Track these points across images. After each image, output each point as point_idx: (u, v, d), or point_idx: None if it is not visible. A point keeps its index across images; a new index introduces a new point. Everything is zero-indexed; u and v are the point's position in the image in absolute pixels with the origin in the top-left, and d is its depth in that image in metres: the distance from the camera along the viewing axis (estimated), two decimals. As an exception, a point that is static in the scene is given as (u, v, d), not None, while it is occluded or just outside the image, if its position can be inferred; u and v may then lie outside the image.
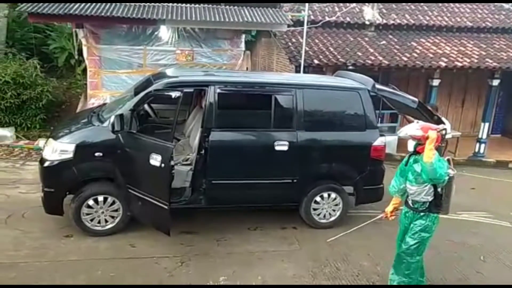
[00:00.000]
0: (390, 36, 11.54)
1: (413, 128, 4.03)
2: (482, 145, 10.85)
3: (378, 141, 5.70)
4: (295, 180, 5.51)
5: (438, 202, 4.10)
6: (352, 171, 5.71)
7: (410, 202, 4.23)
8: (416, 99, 5.87)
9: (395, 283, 4.36)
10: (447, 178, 3.90)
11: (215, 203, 5.44)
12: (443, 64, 10.09)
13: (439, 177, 3.84)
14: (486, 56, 10.65)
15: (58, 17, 8.11)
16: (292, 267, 4.80)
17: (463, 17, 12.46)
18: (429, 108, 7.01)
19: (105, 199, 5.06)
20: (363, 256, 5.21)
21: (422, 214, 4.15)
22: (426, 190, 4.06)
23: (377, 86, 5.85)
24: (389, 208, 4.46)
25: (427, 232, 4.17)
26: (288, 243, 5.37)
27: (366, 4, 11.89)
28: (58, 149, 4.93)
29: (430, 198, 4.09)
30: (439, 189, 4.05)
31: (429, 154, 3.84)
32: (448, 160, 4.14)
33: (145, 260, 4.74)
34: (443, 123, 6.65)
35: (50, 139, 5.17)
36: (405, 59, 10.12)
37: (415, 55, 10.44)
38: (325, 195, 5.72)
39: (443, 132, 4.07)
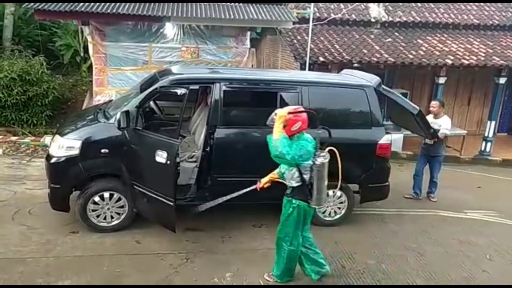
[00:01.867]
0: (396, 34, 11.50)
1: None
2: (488, 144, 10.82)
3: (384, 139, 5.67)
4: (300, 178, 5.49)
5: (306, 190, 4.07)
6: (358, 169, 5.68)
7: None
8: (417, 107, 5.86)
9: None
10: (308, 163, 3.96)
11: (220, 200, 5.43)
12: (450, 62, 10.04)
13: (279, 154, 3.88)
14: (493, 54, 10.58)
15: (64, 14, 8.12)
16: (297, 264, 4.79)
17: (469, 15, 12.38)
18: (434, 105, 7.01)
19: (111, 196, 5.08)
20: (368, 254, 5.19)
21: (287, 199, 4.18)
22: (292, 175, 4.09)
23: (383, 86, 5.83)
24: (264, 179, 4.46)
25: (288, 219, 4.18)
26: (293, 241, 5.36)
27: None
28: (64, 145, 4.95)
29: (295, 184, 4.10)
30: (305, 176, 4.04)
31: (275, 131, 3.93)
32: (331, 152, 4.09)
33: (151, 257, 4.76)
34: (436, 137, 6.62)
35: (57, 136, 5.19)
36: (411, 56, 10.08)
37: (421, 52, 10.39)
38: (330, 192, 5.69)
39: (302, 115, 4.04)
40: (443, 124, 6.87)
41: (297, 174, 4.06)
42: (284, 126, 3.96)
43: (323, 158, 4.01)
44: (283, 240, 4.28)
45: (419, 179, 7.22)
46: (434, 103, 7.12)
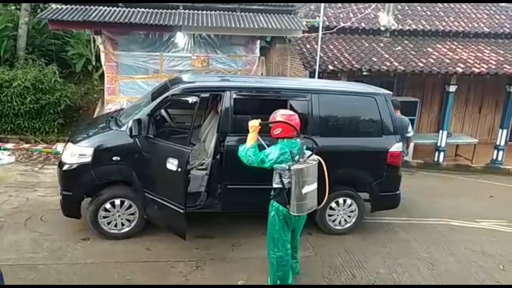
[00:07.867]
0: (406, 42, 11.47)
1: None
2: (500, 152, 10.68)
3: (395, 147, 5.64)
4: (310, 186, 5.47)
5: (284, 195, 4.08)
6: (368, 177, 5.66)
7: None
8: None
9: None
10: (281, 166, 3.99)
11: (230, 207, 5.44)
12: (460, 70, 9.97)
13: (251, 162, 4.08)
14: (504, 62, 10.49)
15: (77, 24, 8.25)
16: (307, 273, 4.76)
17: (480, 23, 12.31)
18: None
19: (122, 203, 5.12)
20: (379, 263, 5.15)
21: (271, 202, 4.23)
22: (274, 176, 4.16)
23: None
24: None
25: (271, 223, 4.22)
26: (303, 249, 5.31)
27: (382, 9, 11.86)
28: (76, 152, 5.01)
29: (275, 185, 4.15)
30: (284, 180, 4.06)
31: (248, 139, 4.13)
32: (314, 156, 4.14)
33: (161, 264, 4.77)
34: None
35: (69, 143, 5.25)
36: (421, 64, 10.03)
37: (431, 60, 10.34)
38: (341, 201, 5.68)
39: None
40: None
41: (277, 176, 4.12)
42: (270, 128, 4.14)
43: (304, 165, 3.94)
44: (269, 247, 4.29)
45: None
46: None
